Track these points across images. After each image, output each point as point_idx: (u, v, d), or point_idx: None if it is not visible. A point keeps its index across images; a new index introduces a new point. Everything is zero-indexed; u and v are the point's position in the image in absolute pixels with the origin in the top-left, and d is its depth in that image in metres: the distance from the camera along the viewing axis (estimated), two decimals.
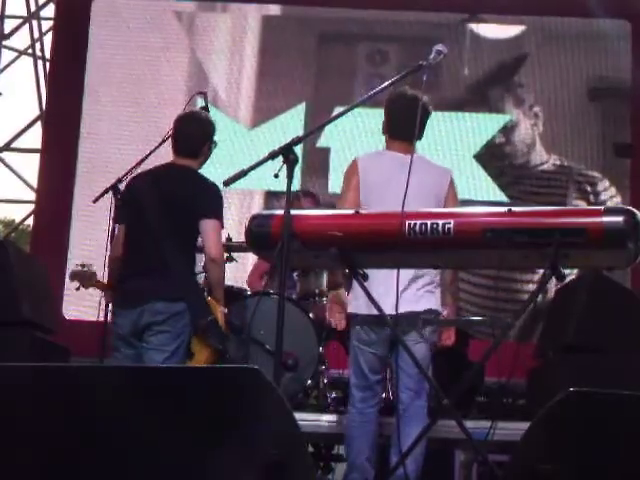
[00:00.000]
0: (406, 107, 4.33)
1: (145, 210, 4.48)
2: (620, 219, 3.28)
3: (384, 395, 4.92)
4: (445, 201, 4.39)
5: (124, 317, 4.41)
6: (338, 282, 4.48)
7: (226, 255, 5.93)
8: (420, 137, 4.42)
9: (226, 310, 4.61)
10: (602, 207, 3.37)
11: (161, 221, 4.43)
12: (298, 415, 2.42)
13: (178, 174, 4.59)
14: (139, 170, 5.24)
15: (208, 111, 5.64)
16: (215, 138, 4.75)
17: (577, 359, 5.13)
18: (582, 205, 7.83)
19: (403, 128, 4.35)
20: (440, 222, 3.44)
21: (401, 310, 3.83)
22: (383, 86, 3.79)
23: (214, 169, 7.82)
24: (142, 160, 5.37)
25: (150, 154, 5.38)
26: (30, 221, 9.30)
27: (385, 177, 4.32)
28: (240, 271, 6.69)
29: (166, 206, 4.45)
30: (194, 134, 4.66)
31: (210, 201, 4.51)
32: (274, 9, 8.56)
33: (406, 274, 4.09)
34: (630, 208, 3.33)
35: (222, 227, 4.54)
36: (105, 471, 2.32)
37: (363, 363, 4.38)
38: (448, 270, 4.43)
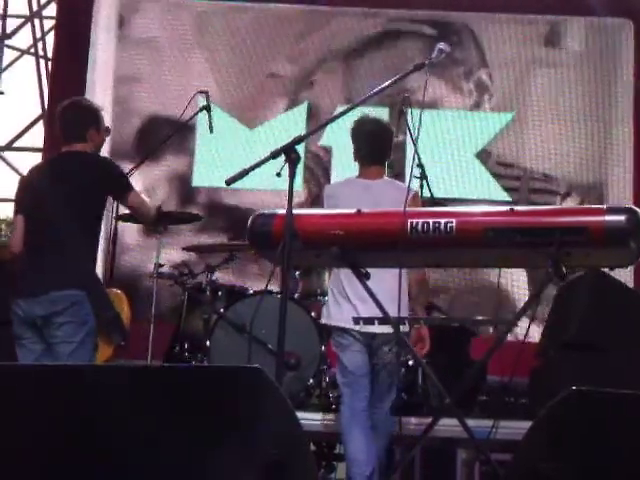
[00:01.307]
0: (373, 132, 4.68)
1: (42, 199, 4.44)
2: (622, 218, 3.28)
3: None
4: None
5: (25, 306, 4.34)
6: None
7: (228, 254, 5.95)
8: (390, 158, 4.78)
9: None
10: (604, 206, 3.36)
11: (58, 208, 4.38)
12: (300, 414, 2.42)
13: (72, 159, 4.55)
14: (140, 170, 5.25)
15: (210, 110, 5.67)
16: (107, 124, 4.76)
17: (578, 358, 5.13)
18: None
19: (374, 153, 4.69)
20: (442, 221, 3.43)
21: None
22: (386, 84, 3.78)
23: (216, 168, 7.90)
24: (143, 159, 5.38)
25: (150, 154, 5.39)
26: None
27: (352, 203, 4.41)
28: (242, 270, 6.70)
29: (63, 192, 4.41)
30: (73, 119, 4.61)
31: (118, 177, 4.52)
32: (274, 7, 8.52)
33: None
34: (632, 207, 3.33)
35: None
36: (105, 471, 2.32)
37: (346, 361, 4.60)
38: (412, 284, 4.63)
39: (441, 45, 3.82)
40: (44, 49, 9.54)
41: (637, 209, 3.31)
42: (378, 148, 4.70)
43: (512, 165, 8.04)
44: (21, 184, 4.68)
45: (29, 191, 4.57)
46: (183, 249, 6.34)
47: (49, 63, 9.21)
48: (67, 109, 4.63)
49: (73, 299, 4.30)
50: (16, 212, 4.61)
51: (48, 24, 9.46)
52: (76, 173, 4.45)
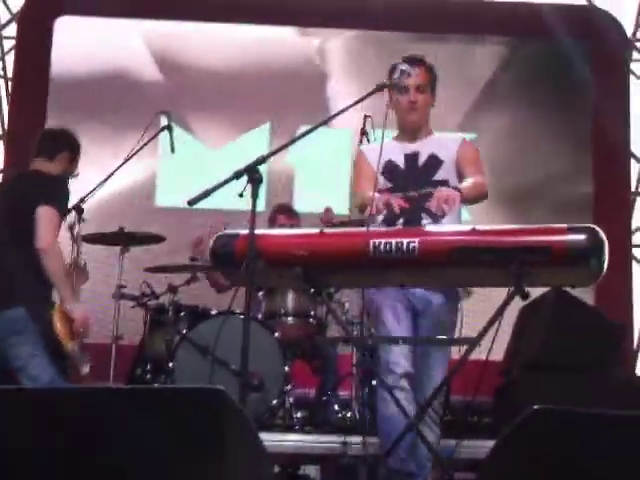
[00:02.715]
0: None
1: None
2: (583, 237, 3.30)
3: None
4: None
5: None
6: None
7: (190, 275, 5.92)
8: None
9: (76, 306, 4.44)
10: (565, 225, 3.38)
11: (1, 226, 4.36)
12: (264, 435, 2.41)
13: (23, 178, 4.58)
14: (100, 191, 5.22)
15: (171, 130, 5.62)
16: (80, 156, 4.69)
17: (541, 377, 5.15)
18: None
19: None
20: (405, 241, 3.45)
21: None
22: (346, 107, 3.79)
23: (178, 189, 7.87)
24: (104, 181, 5.33)
25: (110, 175, 5.34)
26: None
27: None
28: (206, 290, 6.66)
29: (6, 210, 4.38)
30: (51, 137, 4.66)
31: (44, 189, 4.38)
32: (241, 28, 8.52)
33: None
34: (592, 226, 3.36)
35: (59, 214, 4.36)
36: None
37: None
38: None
39: (403, 66, 3.85)
40: (4, 69, 9.46)
41: (597, 228, 3.34)
42: None
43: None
44: None
45: None
46: (145, 270, 6.28)
47: (9, 83, 9.15)
48: (51, 129, 4.73)
49: (15, 317, 4.23)
50: None
51: (8, 44, 9.40)
52: (19, 191, 4.42)
